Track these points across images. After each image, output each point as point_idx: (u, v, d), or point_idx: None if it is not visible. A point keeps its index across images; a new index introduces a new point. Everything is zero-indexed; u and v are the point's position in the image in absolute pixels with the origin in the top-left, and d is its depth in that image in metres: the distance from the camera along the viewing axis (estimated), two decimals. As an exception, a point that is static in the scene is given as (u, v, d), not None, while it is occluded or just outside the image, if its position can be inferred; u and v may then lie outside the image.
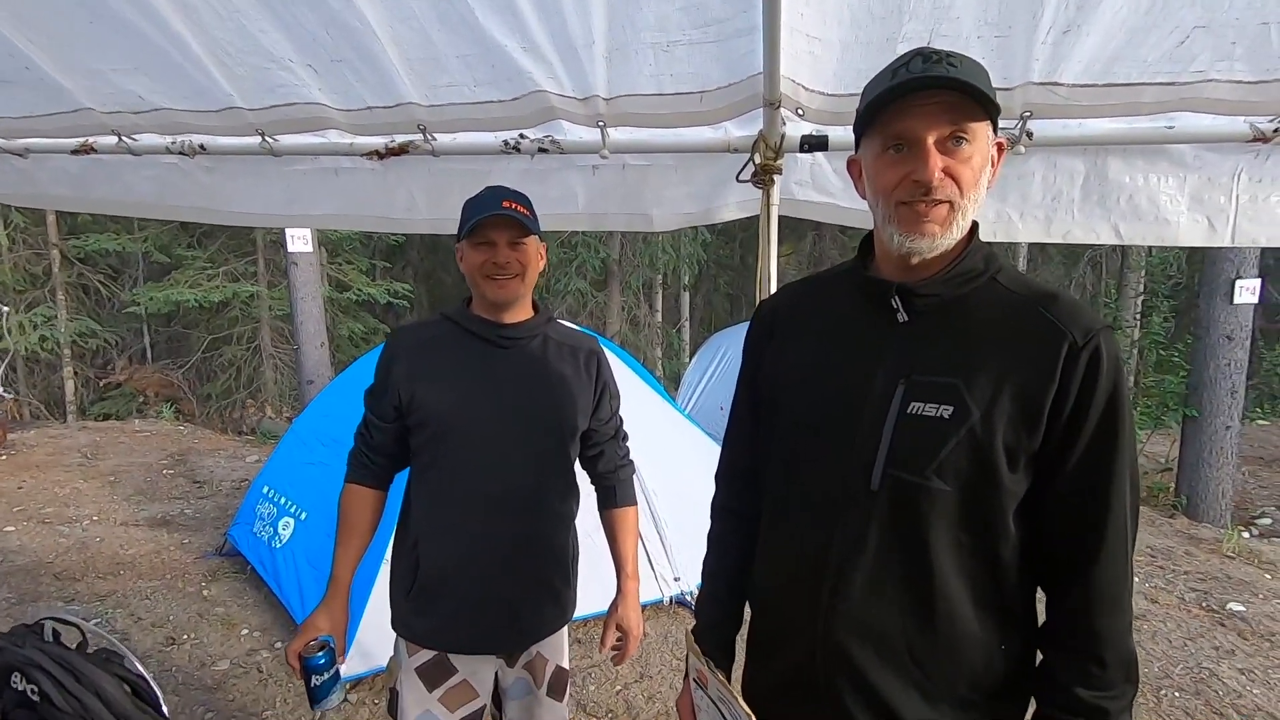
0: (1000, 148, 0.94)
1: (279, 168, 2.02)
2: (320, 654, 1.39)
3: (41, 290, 10.59)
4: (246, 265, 10.71)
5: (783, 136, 1.61)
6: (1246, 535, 5.45)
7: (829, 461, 0.98)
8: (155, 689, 1.65)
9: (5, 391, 8.53)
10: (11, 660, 1.44)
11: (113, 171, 2.18)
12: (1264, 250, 6.35)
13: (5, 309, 9.16)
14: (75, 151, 2.08)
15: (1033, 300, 0.92)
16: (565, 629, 1.65)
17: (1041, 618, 0.98)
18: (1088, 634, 0.90)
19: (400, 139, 1.84)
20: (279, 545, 3.49)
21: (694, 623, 1.23)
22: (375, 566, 2.87)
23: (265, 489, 3.83)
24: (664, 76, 1.50)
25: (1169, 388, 7.19)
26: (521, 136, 1.77)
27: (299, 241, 6.50)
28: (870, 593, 0.95)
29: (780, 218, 1.73)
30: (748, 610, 1.18)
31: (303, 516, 3.51)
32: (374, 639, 2.74)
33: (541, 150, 1.78)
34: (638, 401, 4.29)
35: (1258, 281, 5.82)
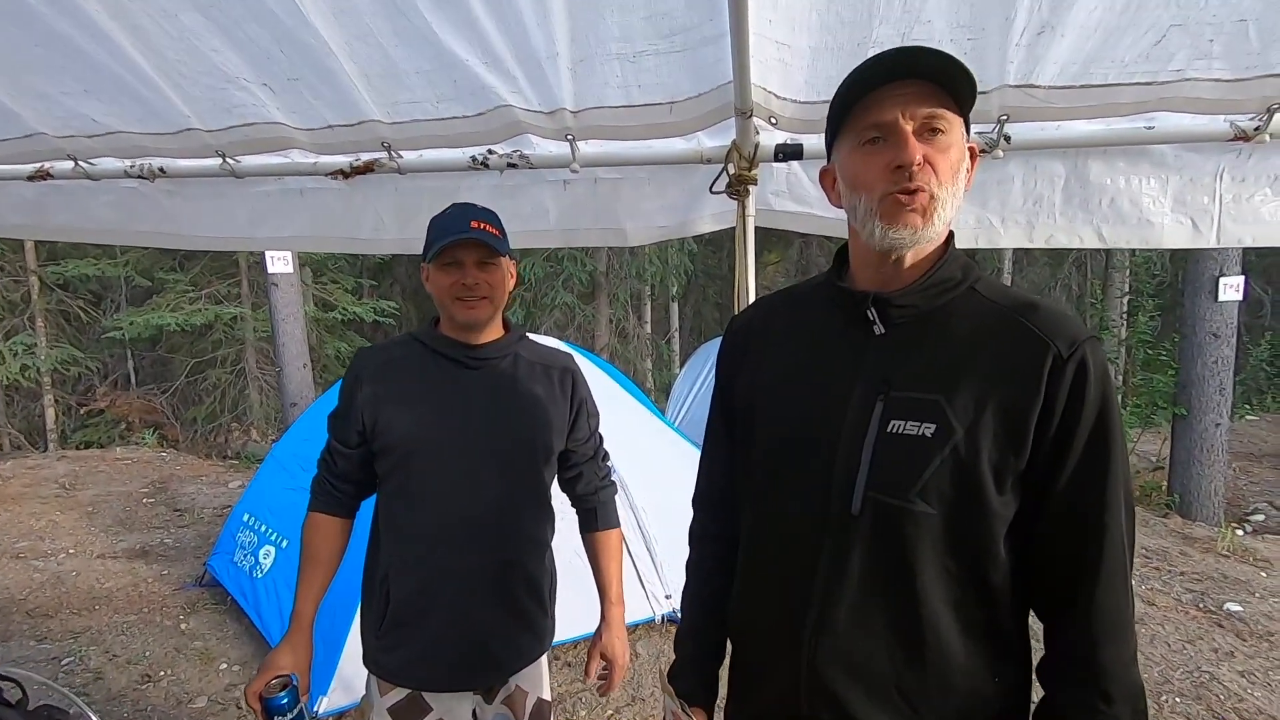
0: (973, 153, 0.90)
1: (242, 189, 1.96)
2: (283, 693, 1.32)
3: (20, 318, 10.41)
4: (230, 287, 10.58)
5: (756, 146, 1.57)
6: (1240, 532, 5.44)
7: (807, 484, 0.93)
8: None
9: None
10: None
11: (71, 197, 2.11)
12: (1246, 248, 6.39)
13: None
14: (31, 178, 2.01)
15: (1013, 310, 0.87)
16: (544, 659, 1.59)
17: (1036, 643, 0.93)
18: (1091, 667, 0.84)
19: (365, 157, 1.79)
20: (260, 575, 3.40)
21: (671, 660, 1.17)
22: (357, 594, 2.79)
23: (246, 516, 3.74)
24: (632, 87, 1.45)
25: (1157, 386, 7.21)
26: (490, 152, 1.72)
27: (279, 262, 6.42)
28: (855, 624, 0.90)
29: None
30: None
31: (284, 544, 3.42)
32: (355, 670, 2.65)
33: (511, 165, 1.73)
34: (625, 416, 4.24)
35: (1241, 278, 5.84)
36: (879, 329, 0.91)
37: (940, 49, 0.83)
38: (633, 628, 3.34)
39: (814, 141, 1.58)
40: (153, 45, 1.46)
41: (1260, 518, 6.30)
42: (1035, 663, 0.93)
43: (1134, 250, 9.87)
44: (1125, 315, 10.14)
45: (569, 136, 1.61)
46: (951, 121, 0.84)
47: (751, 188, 1.63)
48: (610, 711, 2.85)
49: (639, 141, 1.64)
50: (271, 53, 1.44)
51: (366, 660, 1.49)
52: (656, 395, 11.46)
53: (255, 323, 10.46)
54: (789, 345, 1.00)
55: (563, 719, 2.79)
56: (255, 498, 3.84)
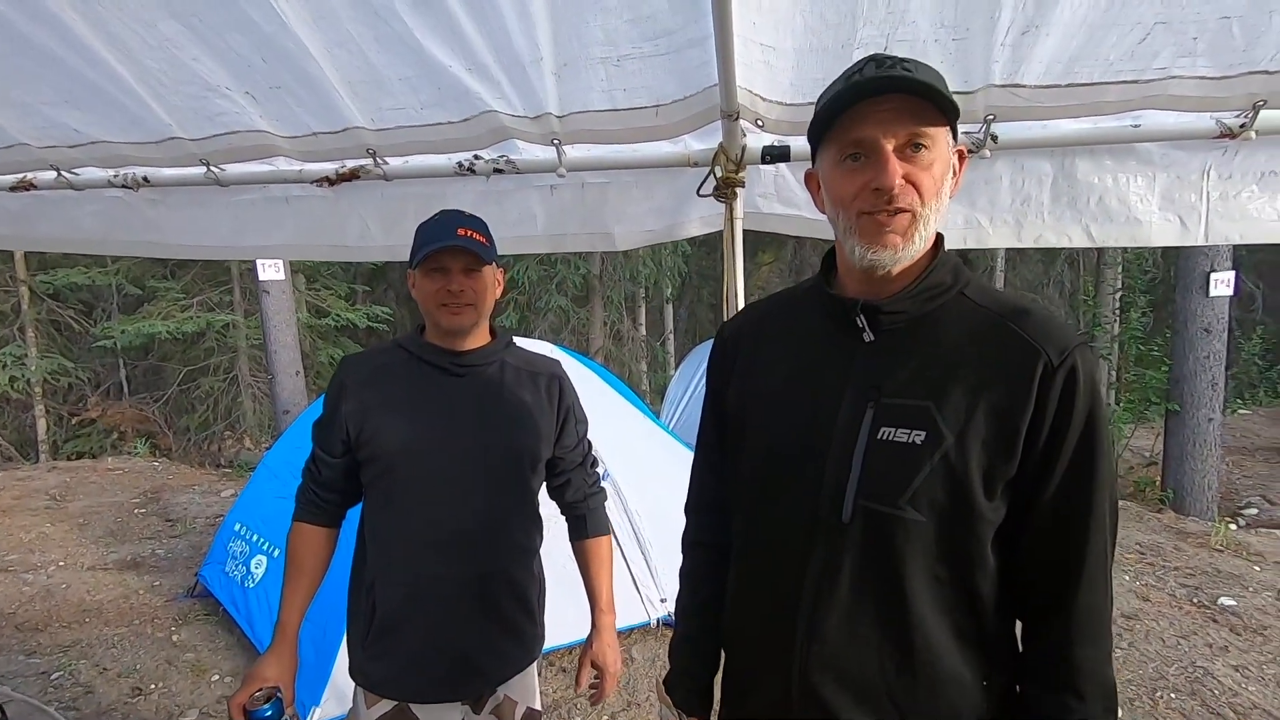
0: (962, 155, 0.89)
1: (227, 198, 1.94)
2: (267, 705, 1.31)
3: (10, 328, 10.34)
4: (222, 294, 10.53)
5: (743, 149, 1.57)
6: (1234, 527, 5.46)
7: (797, 491, 0.93)
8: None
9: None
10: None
11: (55, 208, 2.10)
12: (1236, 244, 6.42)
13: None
14: (14, 188, 1.99)
15: (1004, 316, 0.87)
16: (533, 667, 1.58)
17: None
18: (1066, 666, 0.85)
19: (350, 164, 1.78)
20: (252, 584, 3.37)
21: (666, 669, 1.16)
22: (350, 604, 2.77)
23: (237, 526, 3.71)
24: (617, 91, 1.45)
25: (1150, 382, 7.23)
26: (476, 157, 1.71)
27: (271, 269, 6.39)
28: (845, 632, 0.89)
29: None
30: None
31: (275, 554, 3.39)
32: (348, 679, 2.62)
33: (497, 171, 1.72)
34: (618, 419, 4.23)
35: (1232, 273, 5.87)
36: (868, 336, 0.90)
37: (916, 72, 0.81)
38: (628, 632, 3.33)
39: (800, 143, 1.57)
40: (132, 54, 1.44)
41: (1254, 511, 6.32)
42: None
43: (1125, 247, 9.91)
44: (1118, 311, 10.17)
45: (555, 141, 1.60)
46: (934, 136, 0.83)
47: (739, 190, 1.62)
48: (605, 717, 2.83)
49: (626, 145, 1.63)
50: (252, 61, 1.43)
51: (353, 671, 1.48)
52: (652, 397, 11.45)
53: (248, 330, 10.41)
54: (779, 352, 0.99)
55: (558, 726, 2.77)
56: (247, 507, 3.80)
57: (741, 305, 1.67)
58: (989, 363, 0.84)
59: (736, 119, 1.48)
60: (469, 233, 1.34)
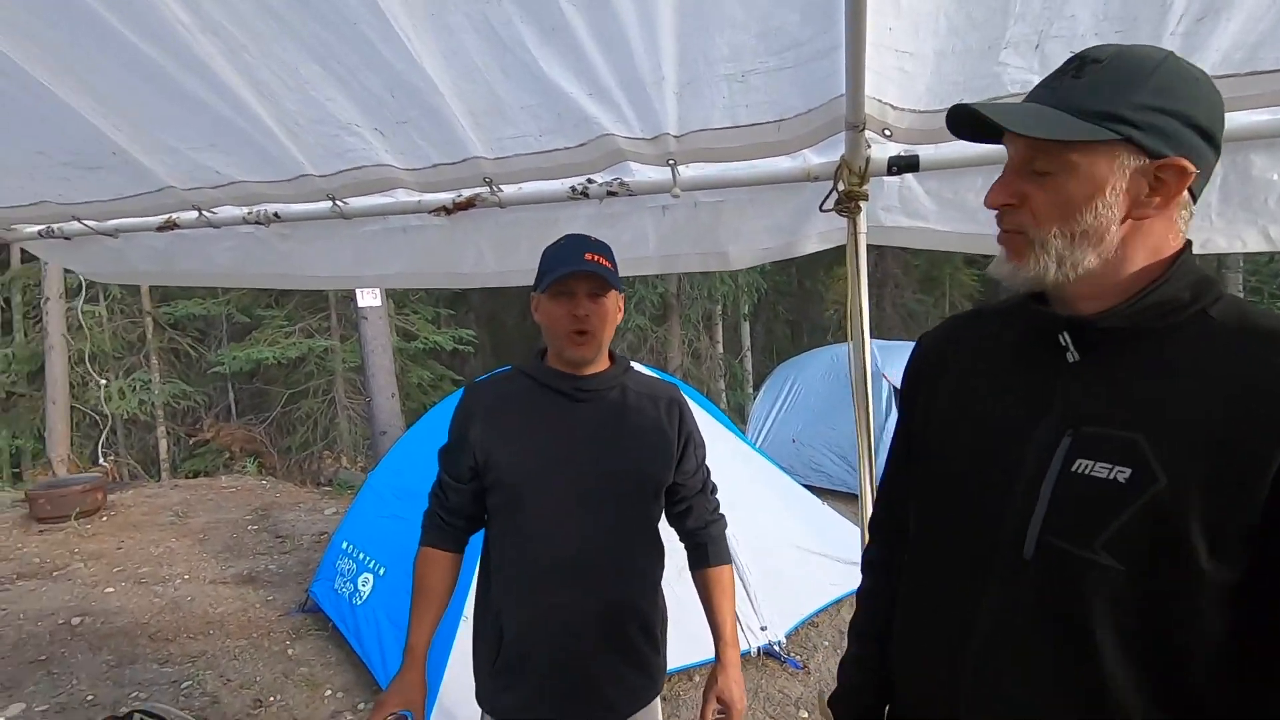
0: (1176, 168, 0.75)
1: (350, 230, 2.03)
2: None
3: (137, 356, 11.29)
4: (320, 321, 11.15)
5: (868, 160, 1.50)
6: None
7: (978, 520, 0.85)
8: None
9: (104, 459, 9.08)
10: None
11: (195, 245, 2.24)
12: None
13: (104, 381, 9.80)
14: (161, 228, 2.15)
15: (1260, 341, 0.73)
16: (658, 702, 1.53)
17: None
18: None
19: (467, 193, 1.82)
20: (359, 602, 3.48)
21: (833, 688, 1.09)
22: (455, 622, 2.81)
23: (344, 544, 3.85)
24: (738, 108, 1.41)
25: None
26: (589, 181, 1.72)
27: (368, 296, 6.70)
28: (1020, 679, 0.81)
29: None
30: None
31: (381, 572, 3.50)
32: (456, 698, 2.66)
33: (610, 194, 1.72)
34: (709, 440, 4.16)
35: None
36: (1072, 356, 0.82)
37: (1080, 81, 0.76)
38: (729, 660, 3.23)
39: (930, 152, 1.50)
40: (273, 97, 1.52)
41: None
42: None
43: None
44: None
45: (670, 161, 1.58)
46: (1056, 159, 0.77)
47: (862, 204, 1.55)
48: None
49: (742, 162, 1.59)
50: (383, 98, 1.48)
51: (481, 699, 1.47)
52: (730, 416, 11.30)
53: (344, 354, 10.97)
54: (973, 370, 0.92)
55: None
56: (353, 525, 3.95)
57: (866, 321, 1.60)
58: (1232, 396, 0.72)
59: (862, 130, 1.42)
60: (596, 258, 1.34)
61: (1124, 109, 0.73)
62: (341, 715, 3.05)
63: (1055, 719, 0.79)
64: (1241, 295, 9.56)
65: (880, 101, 1.37)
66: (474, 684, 1.48)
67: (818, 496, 4.69)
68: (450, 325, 13.05)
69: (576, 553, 1.37)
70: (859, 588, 1.12)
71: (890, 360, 6.60)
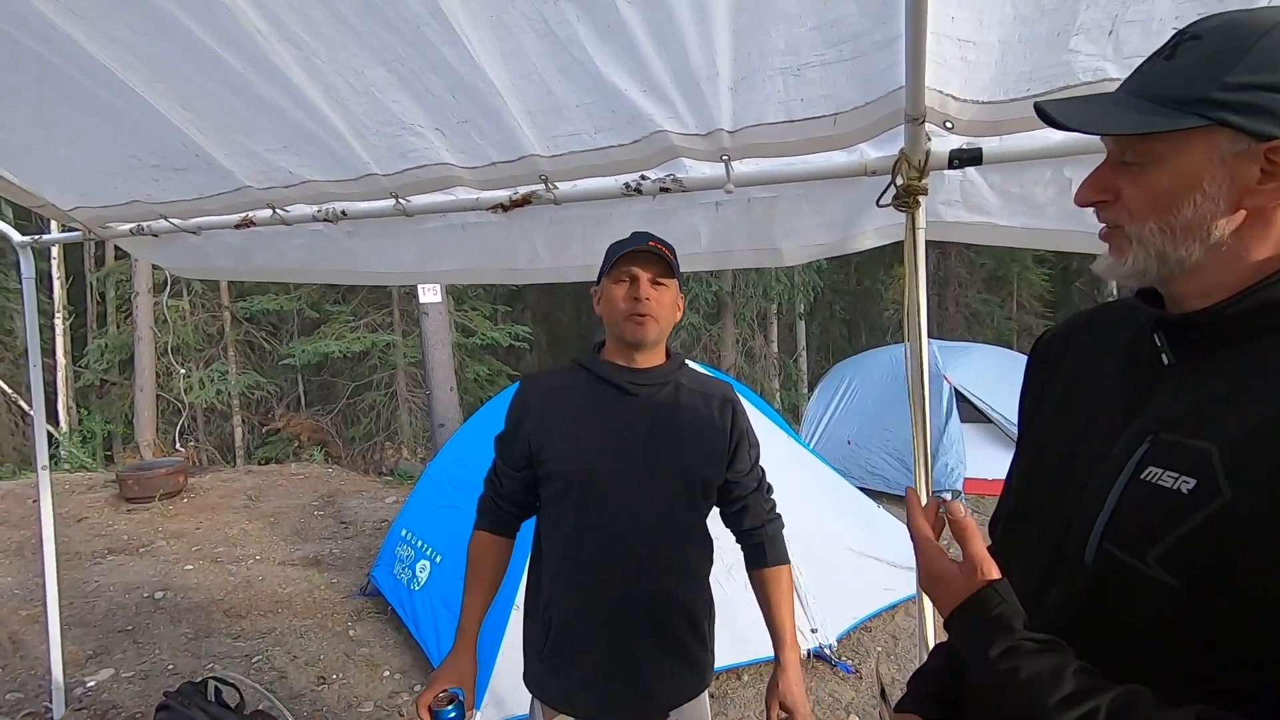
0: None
1: (411, 227, 2.10)
2: (450, 707, 1.35)
3: (216, 348, 11.95)
4: (384, 316, 11.56)
5: (928, 153, 1.46)
6: None
7: (1054, 521, 0.82)
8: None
9: (184, 445, 9.64)
10: None
11: (269, 241, 2.36)
12: None
13: (183, 370, 10.41)
14: (238, 226, 2.27)
15: None
16: (705, 697, 1.53)
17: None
18: None
19: (523, 190, 1.85)
20: (417, 588, 3.60)
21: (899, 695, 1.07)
22: (506, 611, 2.87)
23: (403, 531, 3.99)
24: (794, 102, 1.40)
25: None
26: (642, 178, 1.73)
27: (429, 293, 6.90)
28: None
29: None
30: None
31: (438, 560, 3.61)
32: (508, 685, 2.72)
33: (663, 190, 1.73)
34: (762, 439, 4.12)
35: None
36: (1167, 358, 0.77)
37: (1171, 61, 0.72)
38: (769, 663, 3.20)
39: (994, 144, 1.45)
40: (342, 101, 1.59)
41: None
42: None
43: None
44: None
45: (724, 157, 1.57)
46: (1143, 151, 0.72)
47: (922, 198, 1.51)
48: (759, 750, 2.73)
49: (797, 157, 1.57)
50: (446, 100, 1.52)
51: (528, 681, 1.50)
52: (784, 415, 11.15)
53: (405, 349, 11.33)
54: (1080, 369, 0.90)
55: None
56: (412, 514, 4.09)
57: (924, 318, 1.56)
58: None
59: (922, 123, 1.38)
60: (658, 245, 1.38)
61: (1214, 90, 0.67)
62: (399, 695, 3.16)
63: None
64: None
65: (941, 93, 1.33)
66: (523, 665, 1.52)
67: (872, 499, 4.59)
68: (507, 322, 13.32)
69: (624, 545, 1.39)
70: None
71: (951, 361, 6.40)
